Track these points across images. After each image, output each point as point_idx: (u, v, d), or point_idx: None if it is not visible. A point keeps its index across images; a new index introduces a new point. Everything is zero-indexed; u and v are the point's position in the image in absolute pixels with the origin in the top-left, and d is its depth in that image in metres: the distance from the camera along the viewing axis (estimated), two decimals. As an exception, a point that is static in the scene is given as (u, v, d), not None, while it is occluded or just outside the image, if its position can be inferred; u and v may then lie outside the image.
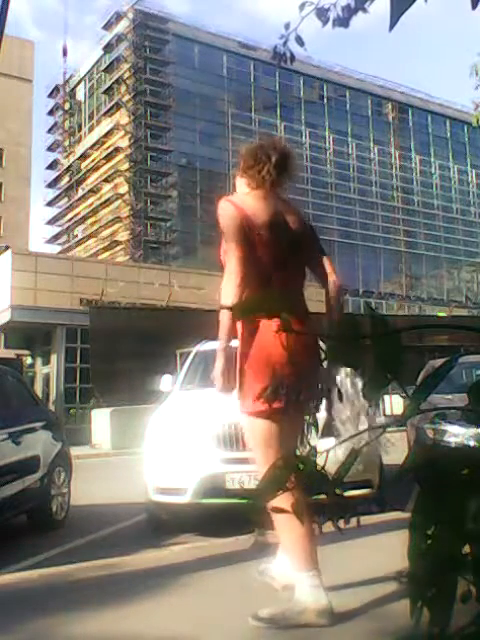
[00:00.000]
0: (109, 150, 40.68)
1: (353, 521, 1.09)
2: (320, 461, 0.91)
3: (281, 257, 2.48)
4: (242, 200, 2.54)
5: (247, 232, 2.44)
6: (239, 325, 2.53)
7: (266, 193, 2.55)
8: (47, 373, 22.57)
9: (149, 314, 19.66)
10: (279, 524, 2.32)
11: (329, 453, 0.90)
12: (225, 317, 2.45)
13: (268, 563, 2.81)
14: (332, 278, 2.64)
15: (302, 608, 2.31)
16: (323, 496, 0.93)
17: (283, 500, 0.95)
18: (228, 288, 2.44)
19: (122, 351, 16.86)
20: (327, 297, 2.65)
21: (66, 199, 46.10)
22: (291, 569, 2.45)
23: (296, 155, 2.87)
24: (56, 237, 47.09)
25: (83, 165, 44.47)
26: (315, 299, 2.82)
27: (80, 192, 44.33)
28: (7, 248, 22.74)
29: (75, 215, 44.58)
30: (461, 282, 50.71)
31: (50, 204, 47.39)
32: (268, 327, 2.36)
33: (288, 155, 2.68)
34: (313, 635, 2.29)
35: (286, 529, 2.34)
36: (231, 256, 2.46)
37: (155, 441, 5.11)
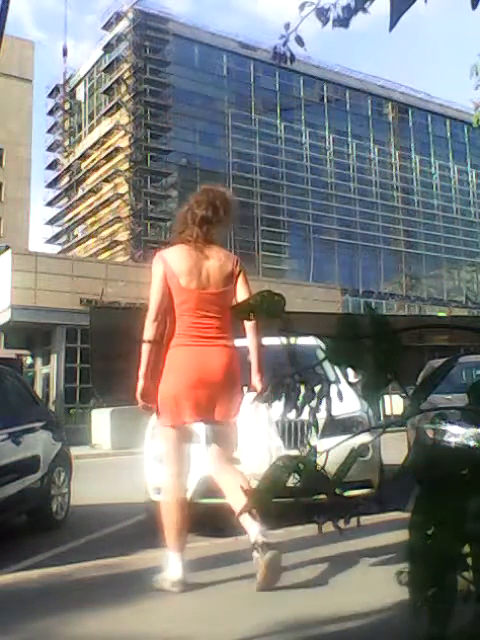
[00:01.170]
0: (109, 150, 40.65)
1: (353, 521, 1.09)
2: (320, 461, 0.91)
3: (197, 300, 3.08)
4: (169, 254, 3.19)
5: (168, 280, 3.09)
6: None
7: (192, 247, 3.15)
8: (47, 373, 22.56)
9: (149, 314, 19.62)
10: (163, 512, 3.07)
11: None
12: (145, 349, 3.11)
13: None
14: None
15: (165, 577, 2.95)
16: (323, 496, 0.93)
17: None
18: (147, 325, 3.10)
19: (122, 351, 16.80)
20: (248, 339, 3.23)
21: (66, 199, 46.06)
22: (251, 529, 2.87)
23: (230, 199, 3.33)
24: (56, 237, 47.06)
25: (83, 165, 44.43)
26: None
27: (80, 192, 44.29)
28: (7, 248, 22.72)
29: (75, 215, 44.55)
30: (461, 282, 50.69)
31: (50, 204, 47.35)
32: (175, 351, 3.05)
33: (216, 206, 3.19)
34: (312, 634, 2.29)
35: (167, 518, 3.04)
36: (152, 298, 3.11)
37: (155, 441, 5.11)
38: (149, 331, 3.08)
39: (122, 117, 40.16)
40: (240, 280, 3.22)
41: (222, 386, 3.03)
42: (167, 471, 3.14)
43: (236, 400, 3.10)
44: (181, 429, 3.10)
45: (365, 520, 3.79)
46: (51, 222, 47.13)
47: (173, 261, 3.13)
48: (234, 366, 3.10)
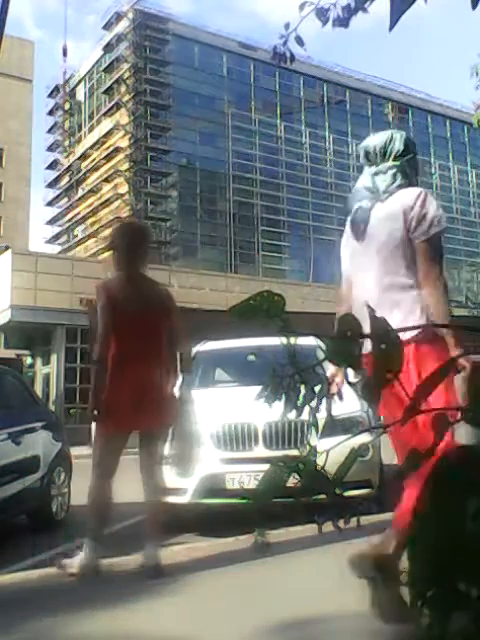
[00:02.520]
0: (109, 150, 40.63)
1: (353, 521, 1.09)
2: (320, 461, 0.91)
3: (135, 323, 3.50)
4: (110, 283, 3.68)
5: (112, 307, 3.51)
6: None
7: (127, 276, 3.60)
8: (47, 373, 22.56)
9: (149, 314, 19.60)
10: (89, 503, 3.48)
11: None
12: (94, 369, 3.59)
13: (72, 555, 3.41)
14: (179, 340, 3.65)
15: (78, 562, 3.29)
16: (323, 496, 0.93)
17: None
18: (96, 347, 3.53)
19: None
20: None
21: (66, 199, 46.02)
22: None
23: (143, 233, 3.85)
24: (56, 237, 47.02)
25: (83, 165, 44.40)
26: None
27: (80, 192, 44.25)
28: (7, 248, 22.71)
29: (75, 215, 44.51)
30: (461, 282, 50.67)
31: (50, 204, 47.30)
32: (115, 369, 3.45)
33: (134, 245, 3.61)
34: (312, 634, 2.29)
35: (91, 510, 3.46)
36: (100, 324, 3.52)
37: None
38: (97, 352, 3.52)
39: (122, 117, 40.15)
40: (173, 307, 3.70)
41: (155, 399, 3.46)
42: (94, 472, 3.61)
43: (167, 412, 3.54)
44: (115, 437, 3.60)
45: (365, 520, 3.79)
46: (51, 222, 47.10)
47: (115, 290, 3.60)
48: (166, 381, 3.56)
